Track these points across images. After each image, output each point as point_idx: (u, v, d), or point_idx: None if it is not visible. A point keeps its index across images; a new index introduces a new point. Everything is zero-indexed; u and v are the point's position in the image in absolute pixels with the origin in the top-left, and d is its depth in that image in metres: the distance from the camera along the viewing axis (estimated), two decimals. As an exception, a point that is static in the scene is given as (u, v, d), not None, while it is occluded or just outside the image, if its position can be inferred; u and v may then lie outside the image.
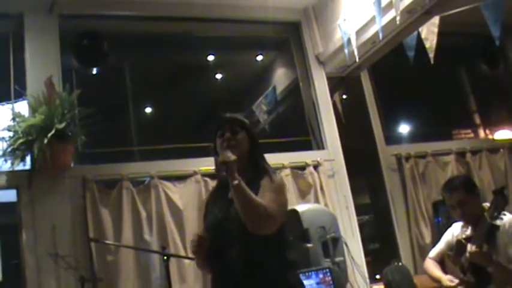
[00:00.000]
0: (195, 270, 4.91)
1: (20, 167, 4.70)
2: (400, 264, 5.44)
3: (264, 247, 2.83)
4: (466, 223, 4.14)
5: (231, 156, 2.86)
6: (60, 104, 4.66)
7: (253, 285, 2.84)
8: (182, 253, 4.91)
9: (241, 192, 2.79)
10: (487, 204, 4.05)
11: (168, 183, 5.13)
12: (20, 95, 4.92)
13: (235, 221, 2.84)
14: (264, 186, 2.92)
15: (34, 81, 4.92)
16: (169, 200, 5.05)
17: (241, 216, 2.80)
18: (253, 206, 2.78)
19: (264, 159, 3.14)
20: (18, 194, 4.73)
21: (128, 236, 4.82)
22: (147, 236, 4.89)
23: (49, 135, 4.49)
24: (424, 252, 5.58)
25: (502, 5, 4.54)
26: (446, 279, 4.13)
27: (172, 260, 4.55)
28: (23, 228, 4.61)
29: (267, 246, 2.84)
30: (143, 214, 4.95)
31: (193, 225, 5.05)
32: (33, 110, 4.68)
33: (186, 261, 4.88)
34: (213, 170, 5.19)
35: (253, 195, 2.81)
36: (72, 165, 4.82)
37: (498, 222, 3.83)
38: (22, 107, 4.86)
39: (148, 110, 6.63)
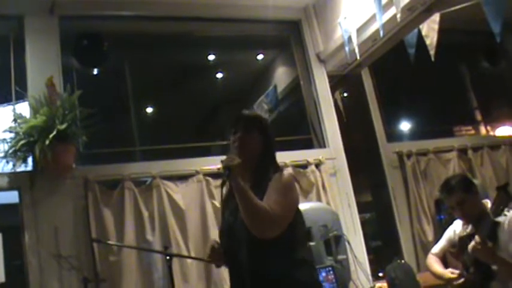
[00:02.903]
0: (198, 270, 4.92)
1: (21, 168, 4.70)
2: (402, 261, 5.44)
3: (271, 248, 2.79)
4: (467, 222, 4.13)
5: (234, 160, 2.81)
6: (61, 105, 4.65)
7: (264, 286, 2.82)
8: (185, 253, 4.90)
9: (244, 197, 2.76)
10: (486, 201, 4.05)
11: (170, 183, 5.12)
12: (21, 97, 4.92)
13: (242, 224, 2.81)
14: (271, 187, 2.88)
15: (35, 82, 4.92)
16: (171, 199, 5.05)
17: (244, 221, 2.78)
18: (255, 211, 2.75)
19: (275, 161, 3.09)
20: (20, 195, 4.72)
21: (130, 236, 4.82)
22: (149, 236, 4.89)
23: (50, 136, 4.48)
24: (426, 249, 5.58)
25: (503, 1, 4.53)
26: (448, 271, 4.15)
27: (175, 260, 4.56)
28: (25, 229, 4.61)
29: (274, 246, 2.79)
30: (145, 214, 4.94)
31: (195, 224, 5.06)
32: (34, 111, 4.68)
33: (189, 260, 4.88)
34: (216, 170, 5.27)
35: (256, 200, 2.77)
36: (73, 166, 4.81)
37: (500, 218, 3.82)
38: (23, 108, 4.86)
39: (149, 110, 6.64)
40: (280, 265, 2.82)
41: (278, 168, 3.05)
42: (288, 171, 3.13)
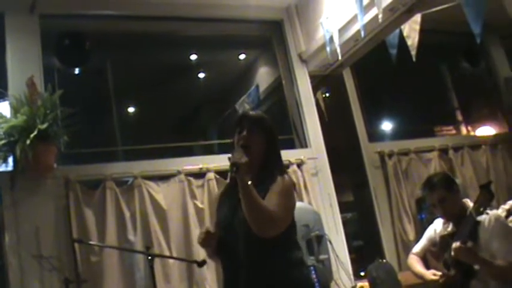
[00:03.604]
0: (180, 270, 4.91)
1: (2, 168, 4.66)
2: (384, 261, 5.47)
3: (269, 247, 2.85)
4: (448, 220, 4.18)
5: (242, 158, 2.85)
6: (42, 105, 4.62)
7: (259, 284, 2.86)
8: (166, 253, 4.89)
9: (248, 196, 2.80)
10: (467, 200, 4.09)
11: (151, 183, 5.10)
12: (1, 96, 4.87)
13: (242, 221, 2.85)
14: (273, 188, 2.92)
15: (15, 81, 4.87)
16: (153, 199, 5.03)
17: (246, 218, 2.82)
18: (259, 210, 2.80)
19: (278, 161, 3.14)
20: (0, 196, 4.67)
21: (111, 237, 4.79)
22: (131, 236, 4.87)
23: (31, 136, 4.45)
24: (407, 248, 5.61)
25: (484, 2, 4.57)
26: (429, 273, 4.18)
27: (157, 260, 4.53)
28: (5, 229, 4.56)
29: (272, 245, 2.85)
30: (127, 214, 4.92)
31: (177, 224, 5.05)
32: (15, 110, 4.64)
33: (171, 261, 4.87)
34: (198, 170, 5.27)
35: (260, 199, 2.82)
36: (55, 165, 4.78)
37: (481, 217, 3.86)
38: (4, 107, 4.81)
39: (131, 109, 6.62)
40: (277, 264, 2.87)
41: (283, 169, 3.10)
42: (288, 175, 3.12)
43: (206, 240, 2.98)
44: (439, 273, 4.06)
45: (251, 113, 3.25)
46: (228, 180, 3.30)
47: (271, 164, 3.08)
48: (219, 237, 3.00)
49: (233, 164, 2.84)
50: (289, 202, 2.96)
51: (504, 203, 5.10)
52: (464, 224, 3.92)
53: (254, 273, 2.85)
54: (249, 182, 2.82)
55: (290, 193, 2.98)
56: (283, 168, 3.13)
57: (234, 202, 2.96)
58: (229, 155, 2.92)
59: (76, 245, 4.62)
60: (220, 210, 3.15)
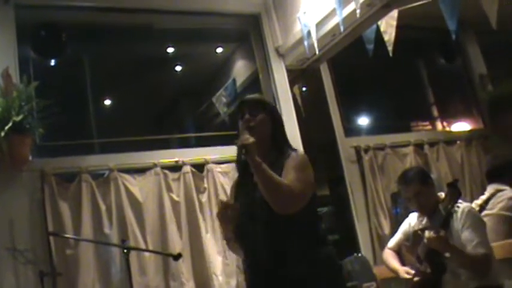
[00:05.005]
0: (156, 263, 4.90)
1: (-24, 160, 4.62)
2: (359, 255, 5.51)
3: (293, 226, 2.82)
4: (423, 213, 4.24)
5: (249, 139, 2.81)
6: (17, 96, 4.57)
7: (281, 265, 2.82)
8: (142, 246, 4.88)
9: (263, 174, 2.77)
10: (442, 194, 4.14)
11: (127, 176, 5.08)
12: (-24, 87, 4.82)
13: (261, 203, 2.82)
14: (287, 165, 2.90)
15: (-10, 73, 4.83)
16: (129, 192, 5.02)
17: (266, 198, 2.78)
18: (276, 187, 2.77)
19: (287, 140, 3.12)
20: (-26, 188, 4.65)
21: (87, 230, 4.77)
22: (106, 229, 4.85)
23: (6, 127, 4.41)
24: (383, 243, 5.64)
25: (458, -1, 4.62)
26: (403, 271, 4.23)
27: (133, 253, 4.53)
28: (-21, 222, 4.54)
29: (295, 224, 2.83)
30: (103, 207, 4.90)
31: (153, 218, 5.04)
32: (-11, 102, 4.60)
33: (147, 254, 4.86)
34: (174, 163, 5.26)
35: (276, 176, 2.79)
36: (30, 158, 4.75)
37: (454, 209, 3.93)
38: (-22, 99, 4.77)
39: (107, 102, 6.58)
40: (302, 243, 2.85)
41: (291, 147, 3.09)
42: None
43: (225, 213, 2.91)
44: (413, 271, 4.11)
45: (249, 96, 3.24)
46: (237, 172, 3.26)
47: (280, 141, 3.08)
48: (238, 223, 2.94)
49: (241, 147, 2.80)
50: (307, 175, 2.92)
51: (477, 198, 5.17)
52: (435, 219, 4.00)
53: (279, 255, 2.82)
54: (260, 161, 2.78)
55: (307, 166, 2.95)
56: (292, 146, 3.12)
57: (251, 187, 2.93)
58: (236, 140, 2.88)
59: (51, 238, 4.59)
60: (238, 199, 3.09)
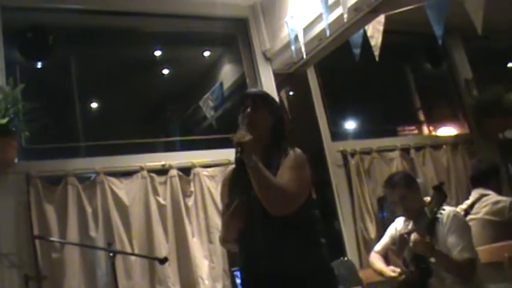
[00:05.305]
0: (142, 267, 4.89)
1: (-39, 163, 4.60)
2: (345, 258, 5.52)
3: (287, 227, 2.78)
4: (409, 217, 4.27)
5: (245, 136, 2.75)
6: (3, 99, 4.55)
7: (275, 265, 2.78)
8: (128, 249, 4.87)
9: (258, 174, 2.73)
10: (427, 198, 4.16)
11: (113, 179, 5.07)
12: (-39, 90, 4.80)
13: (257, 201, 2.78)
14: (284, 164, 2.86)
15: (-24, 75, 4.81)
16: (115, 196, 5.00)
17: (259, 198, 2.74)
18: (270, 188, 2.73)
19: (286, 138, 3.07)
20: (-41, 191, 4.62)
21: (73, 233, 4.75)
22: (92, 233, 4.83)
23: (-8, 130, 4.40)
24: (369, 247, 5.66)
25: (446, 5, 4.65)
26: (389, 270, 4.25)
27: (119, 257, 4.52)
28: (-36, 225, 4.51)
29: (290, 225, 2.78)
30: (89, 210, 4.89)
31: (139, 221, 5.03)
32: (-25, 104, 4.58)
33: (132, 257, 4.85)
34: (160, 166, 5.25)
35: (271, 176, 2.75)
36: (16, 161, 4.72)
37: (439, 213, 3.95)
38: (-37, 101, 4.74)
39: (94, 105, 6.55)
40: (296, 245, 2.81)
41: (291, 146, 3.02)
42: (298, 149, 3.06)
43: (241, 212, 2.87)
44: (398, 269, 4.13)
45: (253, 90, 3.22)
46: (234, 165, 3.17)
47: (281, 139, 3.03)
48: (247, 222, 2.89)
49: (237, 144, 2.75)
50: (303, 175, 2.88)
51: (462, 202, 5.21)
52: (421, 222, 4.02)
53: (273, 255, 2.78)
54: (256, 160, 2.73)
55: (303, 165, 2.91)
56: (291, 144, 3.06)
57: (245, 184, 2.86)
58: (232, 135, 2.82)
59: (37, 242, 4.57)
60: (232, 196, 3.02)
